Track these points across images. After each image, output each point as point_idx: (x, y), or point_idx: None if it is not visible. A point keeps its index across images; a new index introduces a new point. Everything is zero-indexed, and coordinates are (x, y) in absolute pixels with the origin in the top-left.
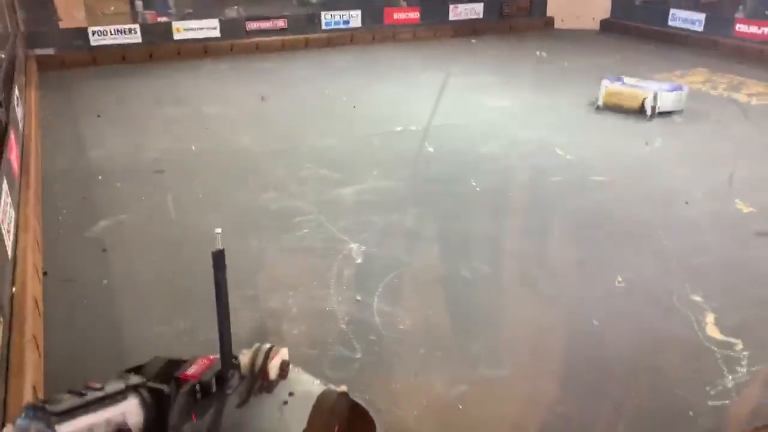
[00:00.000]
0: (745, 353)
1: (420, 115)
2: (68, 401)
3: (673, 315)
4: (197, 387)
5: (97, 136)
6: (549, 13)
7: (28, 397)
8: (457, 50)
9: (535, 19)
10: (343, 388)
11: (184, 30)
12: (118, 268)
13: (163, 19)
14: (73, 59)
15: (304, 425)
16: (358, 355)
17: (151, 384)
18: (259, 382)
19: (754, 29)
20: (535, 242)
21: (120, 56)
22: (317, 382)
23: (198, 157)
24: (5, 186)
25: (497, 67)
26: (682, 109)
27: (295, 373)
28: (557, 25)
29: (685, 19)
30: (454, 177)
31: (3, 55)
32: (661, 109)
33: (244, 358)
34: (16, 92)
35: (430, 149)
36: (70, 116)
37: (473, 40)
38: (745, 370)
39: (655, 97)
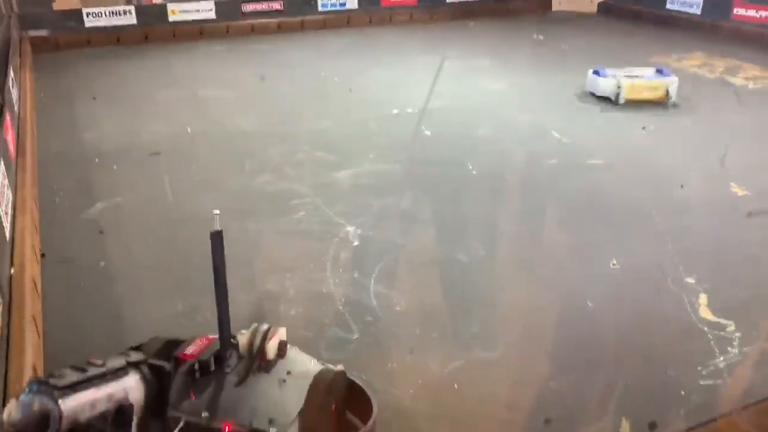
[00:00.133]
0: (737, 334)
1: (416, 98)
2: (71, 376)
3: (666, 296)
4: (196, 366)
5: (93, 118)
6: None
7: (28, 377)
8: (454, 33)
9: (533, 2)
10: (340, 367)
11: (180, 12)
12: (115, 250)
13: (158, 0)
14: (68, 41)
15: (301, 403)
16: (355, 336)
17: (151, 361)
18: (257, 361)
19: (752, 12)
20: (531, 225)
21: (115, 38)
22: (314, 361)
23: (194, 140)
24: (2, 167)
25: (494, 49)
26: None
27: (293, 352)
28: (555, 7)
29: (683, 2)
30: (451, 160)
31: None
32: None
33: (243, 338)
34: (12, 73)
35: (427, 132)
36: (65, 98)
37: (471, 23)
38: (736, 350)
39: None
